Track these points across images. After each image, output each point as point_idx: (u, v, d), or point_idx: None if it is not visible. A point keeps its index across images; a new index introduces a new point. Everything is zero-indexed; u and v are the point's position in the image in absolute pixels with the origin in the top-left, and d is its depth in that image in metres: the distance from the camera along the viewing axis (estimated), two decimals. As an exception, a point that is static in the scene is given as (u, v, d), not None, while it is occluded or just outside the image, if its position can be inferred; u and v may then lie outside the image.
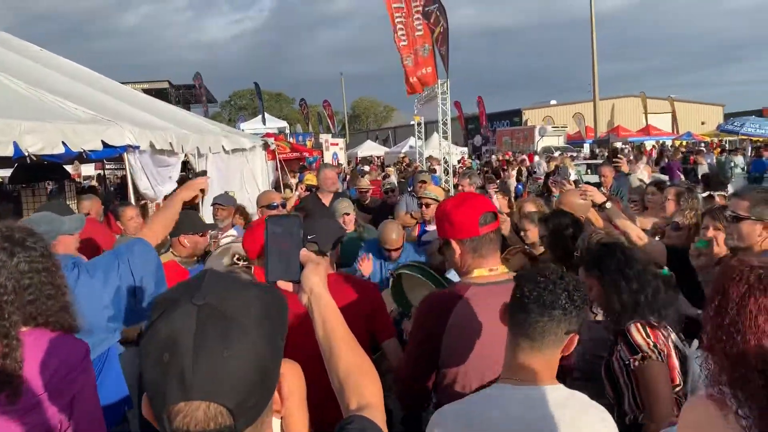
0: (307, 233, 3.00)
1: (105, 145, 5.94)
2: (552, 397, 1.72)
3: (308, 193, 7.96)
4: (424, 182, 6.74)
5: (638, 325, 2.53)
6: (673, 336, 2.62)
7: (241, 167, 10.55)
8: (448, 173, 15.78)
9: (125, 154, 6.45)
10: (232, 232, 5.18)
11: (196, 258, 4.19)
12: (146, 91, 23.47)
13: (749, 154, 23.39)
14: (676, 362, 2.55)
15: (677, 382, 2.57)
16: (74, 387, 1.89)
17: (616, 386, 2.61)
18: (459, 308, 2.09)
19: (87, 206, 5.72)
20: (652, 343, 2.49)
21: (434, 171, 15.40)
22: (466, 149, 39.42)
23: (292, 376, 1.76)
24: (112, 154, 6.39)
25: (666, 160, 20.68)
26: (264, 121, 32.69)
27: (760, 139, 26.43)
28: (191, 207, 3.77)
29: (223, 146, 9.65)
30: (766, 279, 1.52)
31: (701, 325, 1.74)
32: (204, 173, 3.05)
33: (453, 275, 2.72)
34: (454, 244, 2.22)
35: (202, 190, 2.95)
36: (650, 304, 2.60)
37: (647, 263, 2.87)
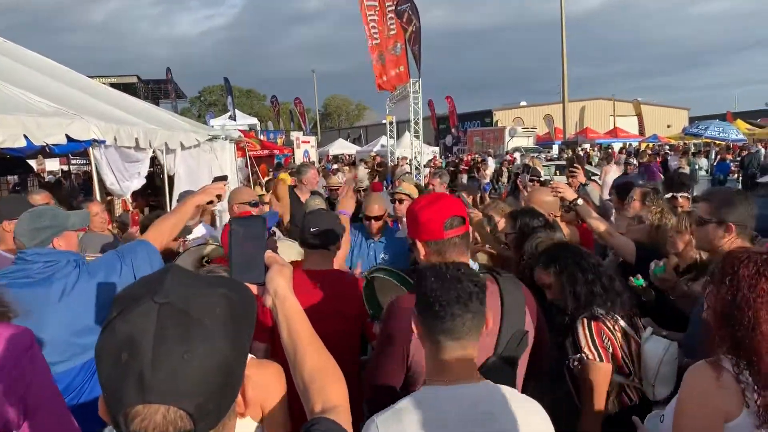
0: (310, 226, 3.00)
1: (69, 139, 5.79)
2: (484, 392, 1.74)
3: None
4: (402, 180, 6.72)
5: (584, 321, 2.64)
6: (622, 324, 2.69)
7: (209, 163, 10.40)
8: (419, 172, 15.82)
9: (90, 148, 6.31)
10: (200, 230, 5.08)
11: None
12: (114, 86, 22.95)
13: (713, 156, 23.93)
14: (620, 354, 2.65)
15: (627, 371, 2.68)
16: (24, 379, 1.82)
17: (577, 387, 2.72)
18: None
19: (38, 201, 5.56)
20: (592, 343, 2.60)
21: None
22: (437, 149, 39.58)
23: (274, 378, 1.73)
24: (77, 148, 6.25)
25: (636, 163, 21.05)
26: (234, 117, 32.33)
27: (723, 143, 27.09)
28: (153, 205, 3.68)
29: (196, 139, 9.53)
30: None
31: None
32: (224, 178, 3.03)
33: None
34: (419, 245, 2.22)
35: (219, 196, 2.90)
36: (605, 294, 2.69)
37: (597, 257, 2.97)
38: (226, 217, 6.68)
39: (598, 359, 2.60)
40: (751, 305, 1.75)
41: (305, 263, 3.04)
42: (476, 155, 28.66)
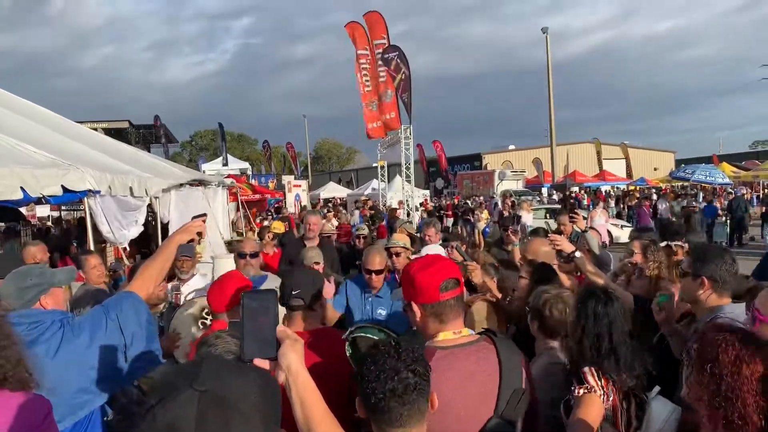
0: (291, 288, 2.91)
1: (65, 189, 5.81)
2: None
3: (274, 240, 7.87)
4: (402, 230, 6.67)
5: (592, 369, 2.62)
6: (631, 384, 2.68)
7: (203, 210, 10.43)
8: (410, 216, 15.90)
9: (85, 198, 6.32)
10: (196, 282, 5.04)
11: (159, 309, 4.06)
12: (106, 131, 23.25)
13: (700, 200, 24.25)
14: (619, 407, 2.62)
15: (619, 419, 2.63)
16: None
17: None
18: None
19: (33, 252, 5.50)
20: (600, 383, 2.58)
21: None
22: (427, 191, 39.87)
23: None
24: (73, 198, 6.26)
25: (623, 206, 21.30)
26: (226, 162, 32.48)
27: (709, 187, 27.50)
28: (144, 252, 3.68)
29: (184, 188, 9.57)
30: (750, 343, 1.67)
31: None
32: (203, 216, 2.95)
33: None
34: (415, 307, 2.24)
35: (200, 234, 2.80)
36: (615, 356, 2.67)
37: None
38: (222, 267, 6.63)
39: (602, 396, 2.57)
40: (738, 394, 1.64)
41: (290, 326, 2.92)
42: (467, 200, 28.85)
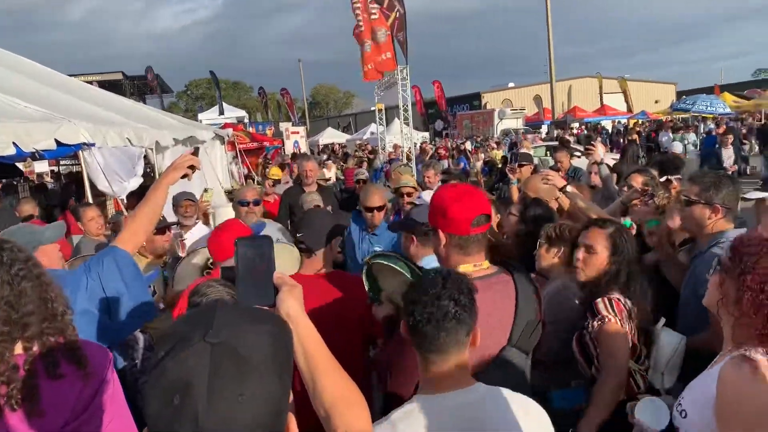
0: (296, 232, 2.91)
1: (58, 143, 5.77)
2: (473, 398, 1.76)
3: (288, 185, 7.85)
4: (400, 173, 6.65)
5: (605, 299, 2.70)
6: (635, 311, 2.75)
7: (201, 160, 10.38)
8: (410, 159, 15.81)
9: (80, 152, 6.28)
10: (200, 229, 5.03)
11: (163, 259, 4.05)
12: (99, 84, 22.85)
13: (701, 131, 24.03)
14: (633, 335, 2.70)
15: (637, 355, 2.73)
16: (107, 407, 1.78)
17: (590, 358, 2.74)
18: None
19: (25, 209, 5.49)
20: (611, 310, 2.67)
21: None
22: (427, 134, 39.53)
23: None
24: (67, 152, 6.23)
25: (624, 141, 21.15)
26: (222, 111, 32.13)
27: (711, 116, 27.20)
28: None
29: (183, 139, 9.48)
30: None
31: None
32: (195, 151, 2.70)
33: (427, 262, 2.75)
34: (441, 235, 2.25)
35: (192, 168, 2.55)
36: (627, 279, 2.78)
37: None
38: (222, 215, 6.65)
39: (617, 323, 2.64)
40: None
41: (303, 269, 2.97)
42: (459, 141, 28.62)
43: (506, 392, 1.83)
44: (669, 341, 2.74)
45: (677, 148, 15.36)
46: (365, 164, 18.05)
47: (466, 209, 2.21)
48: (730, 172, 14.61)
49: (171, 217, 5.26)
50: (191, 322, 0.98)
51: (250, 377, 0.91)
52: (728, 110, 28.17)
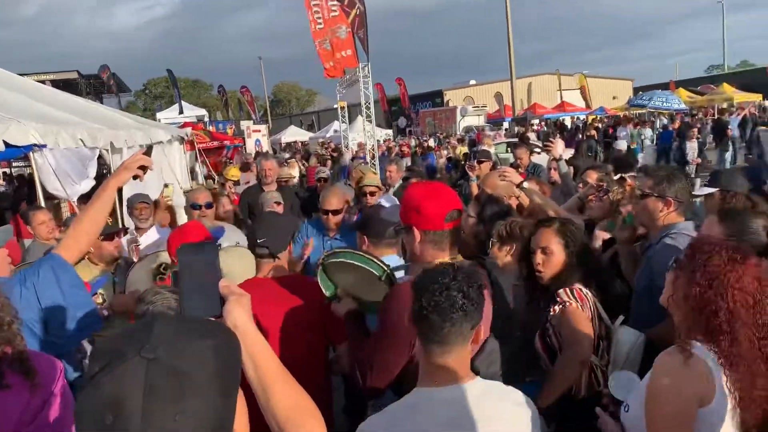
0: (256, 236, 2.81)
1: (7, 145, 5.59)
2: (471, 393, 1.78)
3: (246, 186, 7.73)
4: (363, 172, 6.62)
5: (566, 289, 2.76)
6: (598, 305, 2.80)
7: (159, 161, 10.18)
8: (374, 157, 15.80)
9: (31, 153, 6.09)
10: (153, 234, 4.90)
11: (115, 263, 3.90)
12: (53, 83, 22.24)
13: (658, 126, 24.61)
14: (594, 328, 2.73)
15: (597, 349, 2.76)
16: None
17: (554, 353, 2.78)
18: None
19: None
20: (574, 297, 2.72)
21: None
22: (390, 131, 39.59)
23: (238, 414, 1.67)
24: (17, 154, 6.04)
25: (582, 137, 21.59)
26: (181, 110, 31.57)
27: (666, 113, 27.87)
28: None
29: (140, 140, 9.26)
30: (741, 249, 1.86)
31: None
32: (149, 148, 2.51)
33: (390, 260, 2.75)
34: (416, 232, 2.30)
35: (143, 168, 2.38)
36: (591, 275, 2.86)
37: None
38: (183, 216, 6.51)
39: (579, 307, 2.69)
40: (728, 293, 1.77)
41: (260, 273, 2.89)
42: (423, 138, 28.77)
43: (502, 387, 1.89)
44: (627, 338, 2.78)
45: (621, 145, 15.68)
46: (329, 162, 17.98)
47: (439, 205, 2.28)
48: (694, 165, 14.96)
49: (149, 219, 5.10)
50: (127, 336, 0.94)
51: (190, 394, 0.87)
52: (683, 106, 28.87)
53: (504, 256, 3.25)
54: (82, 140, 7.03)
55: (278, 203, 5.30)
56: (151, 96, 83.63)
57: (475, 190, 5.70)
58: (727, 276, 1.78)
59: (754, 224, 2.43)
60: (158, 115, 32.58)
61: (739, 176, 3.87)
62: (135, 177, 2.42)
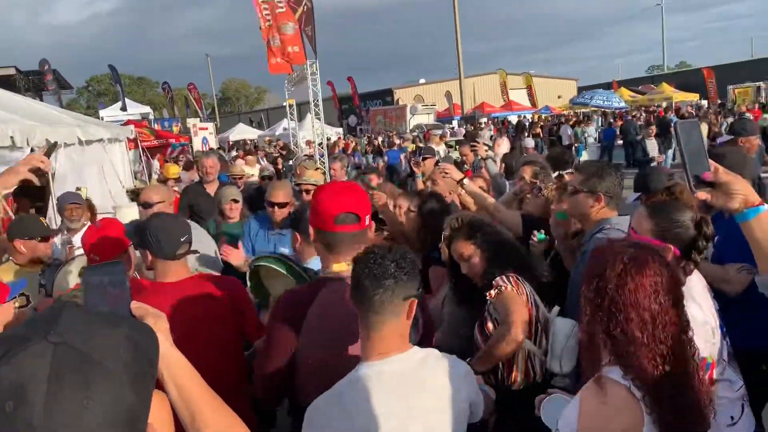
0: (179, 235, 2.68)
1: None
2: (412, 360, 1.88)
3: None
4: (305, 168, 6.53)
5: (502, 276, 2.79)
6: (534, 295, 2.85)
7: (99, 159, 9.87)
8: (323, 155, 15.73)
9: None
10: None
11: (43, 266, 3.77)
12: (-13, 79, 21.32)
13: (599, 124, 25.32)
14: (532, 315, 2.77)
15: (534, 338, 2.80)
16: None
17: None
18: (316, 304, 2.09)
19: None
20: (509, 282, 2.76)
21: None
22: (341, 129, 39.49)
23: (159, 409, 1.60)
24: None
25: (528, 135, 22.02)
26: (125, 107, 30.69)
27: (608, 111, 28.69)
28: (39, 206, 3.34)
29: (78, 137, 8.96)
30: (639, 258, 1.70)
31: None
32: (53, 146, 2.26)
33: (313, 264, 2.70)
34: (311, 230, 2.24)
35: (38, 173, 2.18)
36: (519, 265, 2.88)
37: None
38: (127, 216, 6.31)
39: (513, 290, 2.72)
40: (621, 310, 1.67)
41: (168, 276, 2.74)
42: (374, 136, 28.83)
43: (437, 353, 1.97)
44: (562, 328, 2.83)
45: (529, 143, 15.90)
46: (280, 160, 17.82)
47: (330, 206, 2.16)
48: (656, 163, 15.13)
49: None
50: (33, 323, 0.89)
51: (100, 382, 0.83)
52: (623, 104, 29.80)
53: None
54: (12, 138, 6.76)
55: (235, 201, 5.10)
56: (94, 93, 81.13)
57: (420, 186, 5.76)
58: (619, 292, 1.66)
59: (682, 217, 2.45)
60: (101, 112, 31.62)
61: (656, 174, 4.01)
62: (28, 181, 2.18)
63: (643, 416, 1.65)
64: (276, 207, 4.41)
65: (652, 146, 16.22)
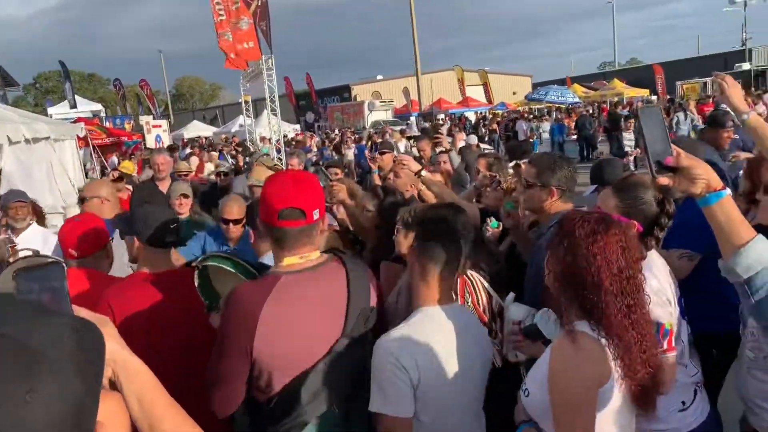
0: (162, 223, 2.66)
1: None
2: (462, 311, 2.37)
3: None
4: (261, 164, 6.41)
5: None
6: (485, 283, 2.88)
7: (48, 158, 9.55)
8: (280, 152, 15.60)
9: None
10: (33, 231, 4.56)
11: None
12: (-74, 76, 20.40)
13: (553, 119, 25.79)
14: (481, 309, 2.81)
15: (490, 328, 2.81)
16: None
17: None
18: (270, 300, 1.99)
19: None
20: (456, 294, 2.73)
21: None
22: (298, 126, 39.20)
23: (114, 411, 1.51)
24: None
25: (485, 131, 22.29)
26: (74, 104, 29.81)
27: (563, 106, 29.25)
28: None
29: (23, 135, 8.66)
30: (606, 220, 1.88)
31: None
32: None
33: (268, 259, 2.63)
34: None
35: None
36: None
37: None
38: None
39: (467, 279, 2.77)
40: (592, 263, 1.77)
41: (149, 265, 2.70)
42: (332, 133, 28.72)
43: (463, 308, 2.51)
44: (517, 313, 2.85)
45: (472, 140, 16.09)
46: (240, 157, 17.53)
47: (274, 201, 2.04)
48: (632, 156, 15.17)
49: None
50: None
51: (44, 373, 0.78)
52: (577, 99, 30.42)
53: (409, 242, 3.26)
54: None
55: (185, 195, 5.07)
56: (42, 90, 78.57)
57: (377, 182, 5.74)
58: (590, 248, 1.78)
59: (646, 195, 2.55)
60: (50, 110, 30.63)
61: (611, 166, 4.13)
62: None
63: (610, 364, 1.78)
64: (231, 224, 4.15)
65: (628, 138, 15.87)
